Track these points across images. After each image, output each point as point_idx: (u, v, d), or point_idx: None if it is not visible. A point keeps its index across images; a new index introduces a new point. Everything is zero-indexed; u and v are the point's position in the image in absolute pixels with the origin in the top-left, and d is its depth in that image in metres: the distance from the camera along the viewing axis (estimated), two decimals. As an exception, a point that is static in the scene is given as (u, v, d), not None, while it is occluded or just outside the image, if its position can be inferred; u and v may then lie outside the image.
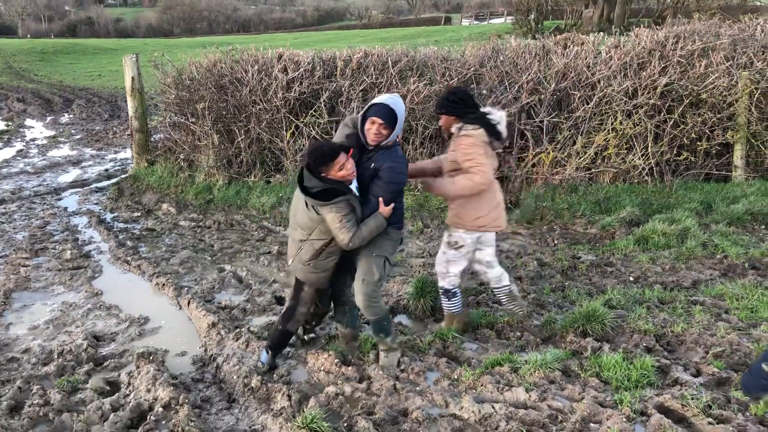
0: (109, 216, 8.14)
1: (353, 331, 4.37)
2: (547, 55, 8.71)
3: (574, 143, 8.02)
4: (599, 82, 8.12)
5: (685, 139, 8.13)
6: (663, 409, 3.47)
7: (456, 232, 4.36)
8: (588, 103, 8.05)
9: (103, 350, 4.53)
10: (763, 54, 8.51)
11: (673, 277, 5.61)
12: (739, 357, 4.06)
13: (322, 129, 8.33)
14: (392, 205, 3.82)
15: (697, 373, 3.96)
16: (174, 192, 8.90)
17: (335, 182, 3.66)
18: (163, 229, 7.50)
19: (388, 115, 3.74)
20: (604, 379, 3.90)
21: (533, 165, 8.06)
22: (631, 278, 5.68)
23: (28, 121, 16.68)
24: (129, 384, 4.00)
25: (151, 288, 5.74)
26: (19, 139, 14.06)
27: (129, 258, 6.36)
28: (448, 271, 4.46)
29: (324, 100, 8.35)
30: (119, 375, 4.14)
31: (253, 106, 8.57)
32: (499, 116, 4.25)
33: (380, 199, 3.76)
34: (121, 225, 7.73)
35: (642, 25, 9.55)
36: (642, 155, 8.02)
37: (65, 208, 8.50)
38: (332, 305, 4.37)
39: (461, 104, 4.18)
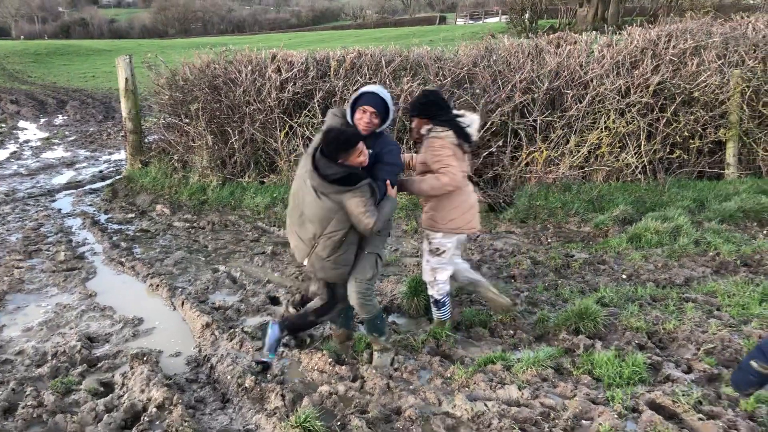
0: (103, 217, 8.13)
1: (347, 331, 4.38)
2: (540, 54, 8.74)
3: (568, 142, 8.05)
4: (592, 80, 8.16)
5: (677, 137, 8.17)
6: (654, 406, 3.50)
7: (435, 238, 4.37)
8: (581, 102, 8.08)
9: (97, 351, 4.53)
10: (754, 52, 8.56)
11: (665, 275, 5.64)
12: (730, 353, 4.09)
13: (315, 129, 8.34)
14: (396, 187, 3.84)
15: (689, 370, 3.98)
16: (168, 193, 8.90)
17: (354, 168, 3.64)
18: (157, 230, 7.50)
19: (380, 104, 3.76)
20: (596, 376, 3.92)
21: (527, 164, 8.09)
22: (624, 276, 5.71)
23: (22, 123, 16.65)
24: (123, 385, 4.00)
25: (145, 289, 5.74)
26: (13, 141, 14.04)
27: (123, 259, 6.36)
28: (436, 280, 4.47)
29: (318, 101, 8.35)
30: (113, 376, 4.14)
31: (246, 107, 8.58)
32: (470, 119, 4.28)
33: (387, 182, 3.77)
34: (115, 226, 7.72)
35: (635, 24, 9.58)
36: (635, 153, 8.06)
37: (59, 210, 8.49)
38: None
39: (433, 107, 4.20)
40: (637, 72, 8.13)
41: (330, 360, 4.12)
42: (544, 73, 8.22)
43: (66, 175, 10.67)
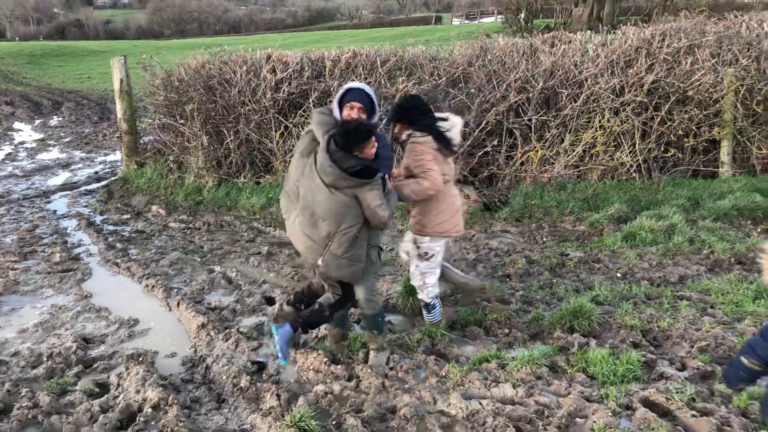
0: (98, 218, 8.12)
1: (342, 331, 4.39)
2: (535, 53, 8.76)
3: (562, 141, 8.07)
4: (587, 80, 8.18)
5: (672, 135, 8.20)
6: (648, 403, 3.51)
7: (423, 243, 4.39)
8: (576, 101, 8.10)
9: (93, 352, 4.53)
10: (748, 51, 8.59)
11: (660, 273, 5.67)
12: (724, 351, 4.11)
13: (311, 129, 8.33)
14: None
15: (683, 367, 4.00)
16: (163, 194, 8.89)
17: (368, 160, 3.65)
18: (153, 230, 7.49)
19: (366, 99, 3.79)
20: (590, 374, 3.94)
21: (522, 163, 8.10)
22: (619, 274, 5.73)
23: (17, 125, 16.62)
24: (118, 385, 4.00)
25: (140, 290, 5.74)
26: (8, 143, 14.00)
27: (119, 260, 6.36)
28: (425, 284, 4.49)
29: (313, 101, 8.36)
30: (109, 377, 4.14)
31: (242, 107, 8.58)
32: (451, 123, 4.29)
33: (386, 176, 3.79)
34: (111, 227, 7.72)
35: (629, 23, 9.61)
36: (630, 152, 8.08)
37: (54, 211, 8.47)
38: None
39: (413, 112, 4.22)
40: (631, 71, 8.16)
41: (325, 359, 4.13)
42: (539, 73, 8.24)
43: (61, 177, 10.66)
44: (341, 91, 3.86)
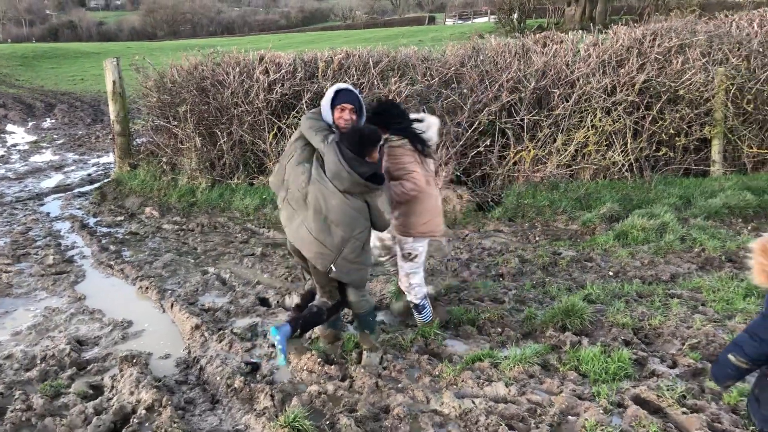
0: (92, 220, 8.11)
1: (335, 331, 4.41)
2: (527, 53, 8.79)
3: (555, 141, 8.11)
4: (578, 79, 8.21)
5: (663, 134, 8.24)
6: (639, 401, 3.55)
7: (406, 243, 4.41)
8: (567, 101, 8.13)
9: (87, 354, 4.53)
10: (738, 50, 8.65)
11: (651, 271, 5.70)
12: (715, 348, 4.14)
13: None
14: None
15: (674, 365, 4.04)
16: (157, 195, 8.88)
17: (375, 164, 3.69)
18: (147, 232, 7.49)
19: (356, 100, 3.83)
20: (582, 372, 3.97)
21: (514, 163, 8.13)
22: (611, 273, 5.77)
23: (9, 127, 16.54)
24: (112, 387, 4.00)
25: (134, 292, 5.74)
26: (0, 145, 13.95)
27: (112, 262, 6.35)
28: (411, 284, 4.51)
29: (306, 102, 8.36)
30: (102, 379, 4.15)
31: (235, 109, 8.57)
32: (427, 123, 4.31)
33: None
34: (104, 229, 7.71)
35: (621, 23, 9.65)
36: (621, 151, 8.12)
37: (47, 214, 8.46)
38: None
39: (386, 115, 4.21)
40: (622, 70, 8.20)
41: (319, 360, 4.14)
42: (531, 73, 8.27)
43: (54, 179, 10.63)
44: (331, 92, 3.86)
